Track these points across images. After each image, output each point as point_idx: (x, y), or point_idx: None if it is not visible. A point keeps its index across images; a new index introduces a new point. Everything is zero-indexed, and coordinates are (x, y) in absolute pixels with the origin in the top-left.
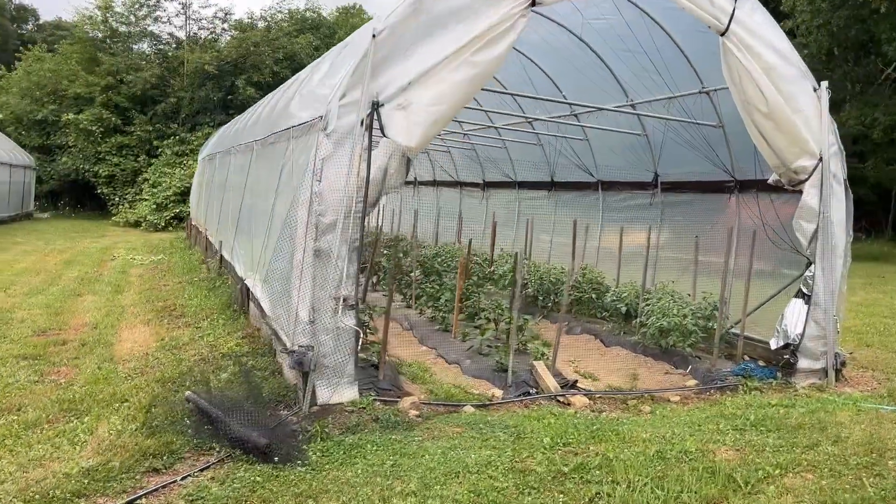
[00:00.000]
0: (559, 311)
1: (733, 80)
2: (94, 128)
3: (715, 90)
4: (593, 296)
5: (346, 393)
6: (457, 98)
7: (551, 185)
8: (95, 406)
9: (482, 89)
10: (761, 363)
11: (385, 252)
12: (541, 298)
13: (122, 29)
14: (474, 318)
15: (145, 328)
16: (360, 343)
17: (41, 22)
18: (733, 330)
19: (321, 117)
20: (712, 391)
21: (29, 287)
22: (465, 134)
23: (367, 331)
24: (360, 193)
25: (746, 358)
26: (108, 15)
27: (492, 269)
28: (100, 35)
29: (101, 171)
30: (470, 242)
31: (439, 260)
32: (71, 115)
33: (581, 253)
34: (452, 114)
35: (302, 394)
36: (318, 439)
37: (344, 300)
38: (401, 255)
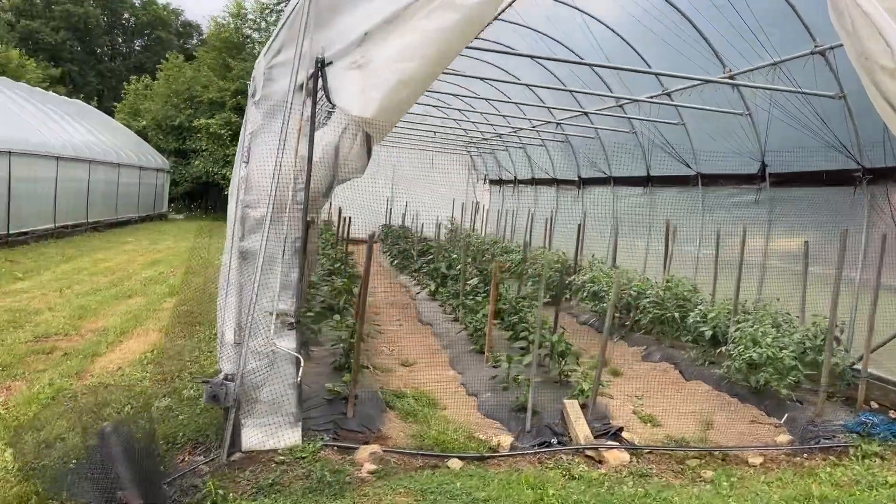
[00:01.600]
0: (640, 331)
1: (844, 27)
2: (222, 131)
3: (831, 48)
4: (676, 314)
5: (286, 436)
6: (432, 53)
7: (647, 181)
8: None
9: (558, 60)
10: (894, 414)
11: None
12: (618, 315)
13: (254, 35)
14: (518, 338)
15: (156, 336)
16: (299, 372)
17: (204, 37)
18: (857, 366)
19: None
20: (810, 453)
21: (89, 287)
22: (557, 123)
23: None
24: (301, 180)
25: (871, 406)
26: (239, 22)
27: (572, 277)
28: (233, 41)
29: (227, 173)
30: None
31: (505, 261)
32: (203, 120)
33: (679, 261)
34: (426, 76)
35: (225, 435)
36: None
37: (279, 316)
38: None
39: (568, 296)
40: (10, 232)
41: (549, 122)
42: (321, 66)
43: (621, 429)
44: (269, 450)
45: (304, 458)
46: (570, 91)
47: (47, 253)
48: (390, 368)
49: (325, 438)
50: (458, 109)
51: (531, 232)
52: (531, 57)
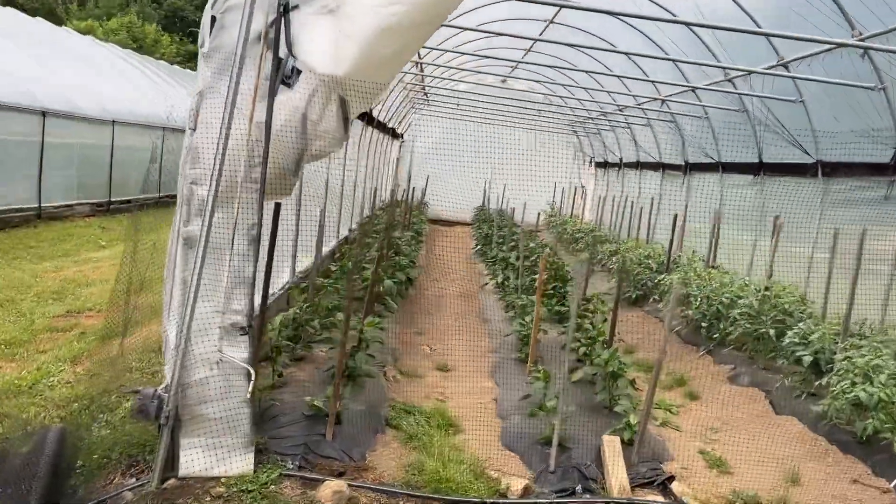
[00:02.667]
0: (731, 346)
1: None
2: None
3: None
4: (771, 331)
5: (235, 462)
6: None
7: (759, 168)
8: None
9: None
10: None
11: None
12: (705, 326)
13: None
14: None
15: None
16: (250, 387)
17: None
18: None
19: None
20: None
21: (165, 259)
22: (663, 100)
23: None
24: (258, 152)
25: None
26: None
27: (662, 276)
28: None
29: None
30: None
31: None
32: None
33: (788, 264)
34: (419, 24)
35: (156, 458)
36: None
37: (230, 319)
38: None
39: (657, 296)
40: (112, 200)
41: (654, 99)
42: (285, 9)
43: (671, 478)
44: (213, 477)
45: (250, 491)
46: (673, 60)
47: (143, 221)
48: (420, 373)
49: (290, 466)
50: (563, 85)
51: (632, 221)
52: (610, 13)
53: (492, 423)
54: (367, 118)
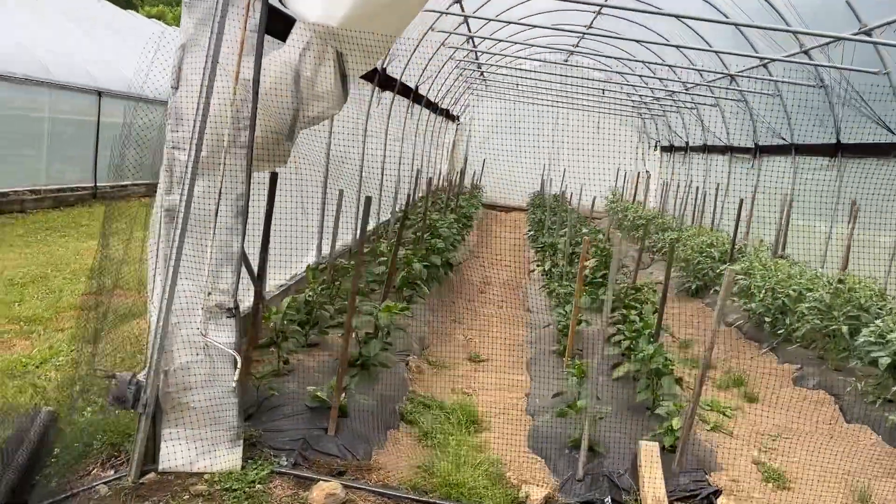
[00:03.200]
0: (798, 342)
1: None
2: None
3: None
4: (844, 328)
5: (221, 457)
6: None
7: (836, 149)
8: None
9: None
10: None
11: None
12: (768, 321)
13: None
14: (611, 342)
15: None
16: (236, 374)
17: None
18: None
19: None
20: None
21: None
22: (731, 77)
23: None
24: (245, 113)
25: None
26: None
27: (724, 266)
28: None
29: None
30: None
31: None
32: None
33: (868, 255)
34: None
35: (134, 451)
36: None
37: (215, 300)
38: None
39: (718, 287)
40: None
41: (723, 76)
42: None
43: (718, 492)
44: (196, 472)
45: (234, 490)
46: (736, 25)
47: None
48: (449, 364)
49: (283, 463)
50: (620, 59)
51: (696, 207)
52: None
53: (520, 422)
54: (414, 95)
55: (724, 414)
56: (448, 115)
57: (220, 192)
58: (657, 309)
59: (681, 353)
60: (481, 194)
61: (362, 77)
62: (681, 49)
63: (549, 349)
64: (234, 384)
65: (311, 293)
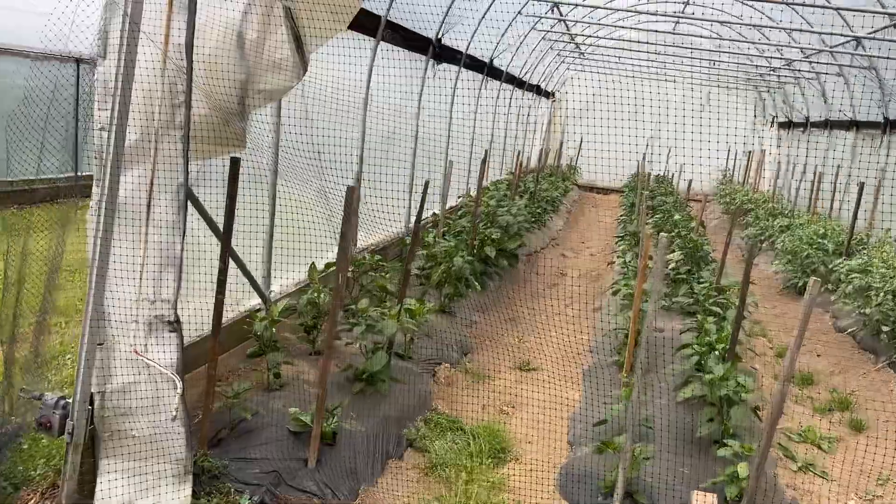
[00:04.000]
0: None
1: None
2: None
3: None
4: None
5: (167, 495)
6: None
7: None
8: None
9: None
10: None
11: None
12: (887, 329)
13: None
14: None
15: None
16: (179, 397)
17: None
18: None
19: None
20: None
21: None
22: (857, 40)
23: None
24: (180, 86)
25: None
26: None
27: (839, 261)
28: None
29: None
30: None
31: None
32: None
33: None
34: None
35: (62, 486)
36: None
37: (154, 310)
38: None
39: (830, 285)
40: None
41: (848, 39)
42: None
43: None
44: None
45: None
46: None
47: None
48: (490, 373)
49: (244, 503)
50: (731, 25)
51: (812, 191)
52: None
53: (556, 452)
54: (489, 69)
55: (820, 447)
56: (539, 91)
57: (151, 183)
58: (750, 311)
59: (777, 366)
60: (577, 175)
61: (412, 49)
62: (794, 7)
63: (611, 360)
64: (174, 413)
65: (312, 294)
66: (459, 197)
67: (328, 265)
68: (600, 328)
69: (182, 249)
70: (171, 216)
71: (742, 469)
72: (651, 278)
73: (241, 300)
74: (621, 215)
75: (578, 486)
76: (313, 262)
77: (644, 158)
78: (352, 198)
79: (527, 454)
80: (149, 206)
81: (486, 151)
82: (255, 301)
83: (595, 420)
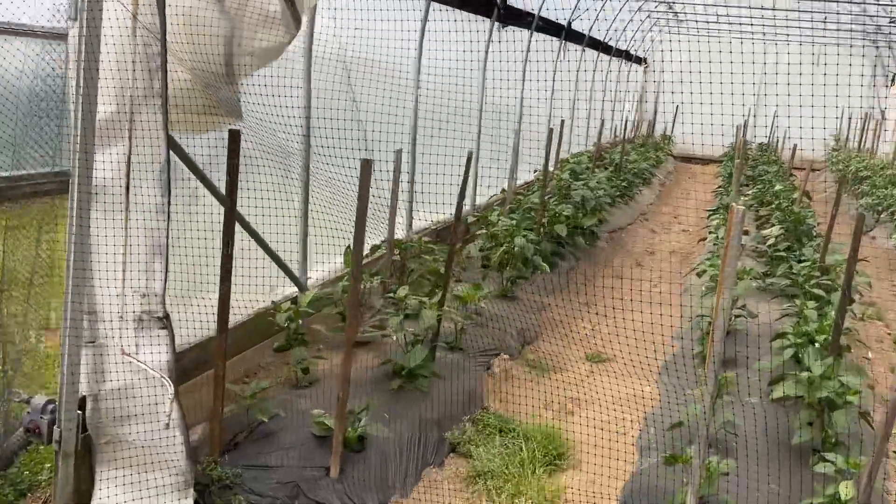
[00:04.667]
0: None
1: None
2: None
3: None
4: None
5: None
6: None
7: None
8: None
9: None
10: None
11: None
12: None
13: None
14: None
15: None
16: (172, 402)
17: None
18: None
19: None
20: None
21: None
22: None
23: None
24: (155, 47)
25: None
26: None
27: None
28: None
29: None
30: None
31: None
32: None
33: None
34: None
35: (55, 496)
36: None
37: (142, 305)
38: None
39: None
40: None
41: None
42: None
43: None
44: None
45: None
46: None
47: None
48: (557, 365)
49: None
50: None
51: None
52: None
53: (623, 459)
54: (567, 33)
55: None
56: (629, 57)
57: (128, 160)
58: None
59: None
60: (671, 145)
61: (471, 9)
62: None
63: (696, 350)
64: (167, 419)
65: (345, 281)
66: (535, 171)
67: (374, 248)
68: (686, 314)
69: (168, 236)
70: (157, 198)
71: (845, 489)
72: (731, 258)
73: (274, 288)
74: (718, 187)
75: (648, 496)
76: (348, 246)
77: (745, 125)
78: (367, 174)
79: (588, 462)
80: (127, 187)
81: (561, 122)
82: (293, 289)
83: (671, 421)
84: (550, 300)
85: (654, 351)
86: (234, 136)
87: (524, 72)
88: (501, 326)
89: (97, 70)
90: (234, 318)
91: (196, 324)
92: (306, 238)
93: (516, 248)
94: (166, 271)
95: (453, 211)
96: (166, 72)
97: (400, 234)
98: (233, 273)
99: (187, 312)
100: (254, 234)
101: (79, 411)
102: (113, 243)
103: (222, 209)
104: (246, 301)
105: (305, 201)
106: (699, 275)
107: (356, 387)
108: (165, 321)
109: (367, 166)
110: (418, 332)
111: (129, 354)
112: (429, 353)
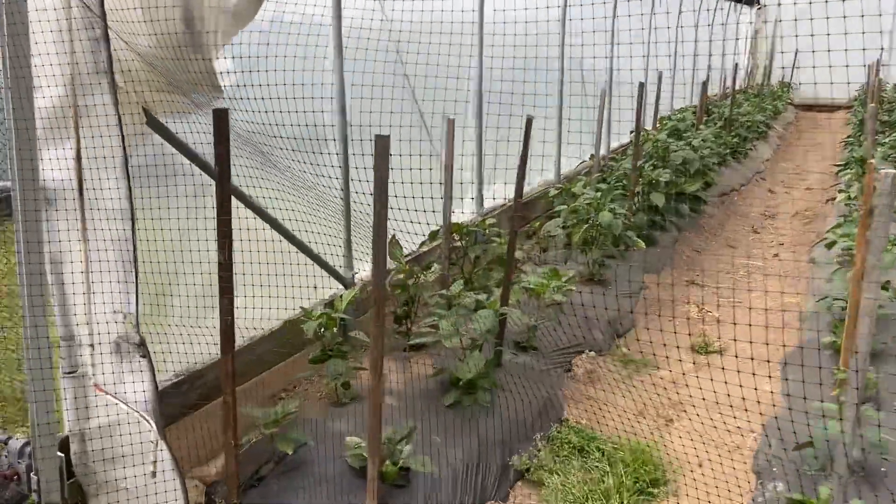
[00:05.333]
0: None
1: None
2: None
3: None
4: None
5: None
6: None
7: None
8: None
9: None
10: None
11: None
12: None
13: None
14: None
15: None
16: (157, 445)
17: None
18: None
19: None
20: None
21: None
22: None
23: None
24: (97, 25)
25: None
26: None
27: None
28: None
29: None
30: None
31: None
32: None
33: None
34: None
35: None
36: None
37: (120, 331)
38: None
39: None
40: None
41: None
42: None
43: None
44: None
45: None
46: None
47: None
48: (655, 360)
49: None
50: None
51: None
52: None
53: (735, 485)
54: None
55: None
56: None
57: (77, 155)
58: None
59: None
60: (791, 92)
61: None
62: None
63: (826, 339)
64: (153, 464)
65: (399, 275)
66: (631, 132)
67: (432, 234)
68: (815, 288)
69: (135, 244)
70: (118, 201)
71: None
72: (876, 244)
73: (318, 289)
74: (848, 137)
75: None
76: (393, 236)
77: (878, 63)
78: (385, 149)
79: (691, 487)
80: (80, 188)
81: (659, 75)
82: (339, 288)
83: (796, 430)
84: (648, 281)
85: (776, 339)
86: (221, 116)
87: (614, 21)
88: (586, 316)
89: (28, 43)
90: (269, 325)
91: (216, 339)
92: (349, 231)
93: (601, 225)
94: (137, 286)
95: (540, 178)
96: (108, 40)
97: (466, 216)
98: (268, 276)
99: (205, 326)
100: (284, 233)
101: (61, 453)
102: (79, 258)
103: (247, 211)
104: (287, 305)
105: (347, 191)
106: (828, 246)
107: (404, 401)
108: (143, 348)
109: (386, 146)
110: (477, 335)
111: (101, 389)
112: (492, 358)
